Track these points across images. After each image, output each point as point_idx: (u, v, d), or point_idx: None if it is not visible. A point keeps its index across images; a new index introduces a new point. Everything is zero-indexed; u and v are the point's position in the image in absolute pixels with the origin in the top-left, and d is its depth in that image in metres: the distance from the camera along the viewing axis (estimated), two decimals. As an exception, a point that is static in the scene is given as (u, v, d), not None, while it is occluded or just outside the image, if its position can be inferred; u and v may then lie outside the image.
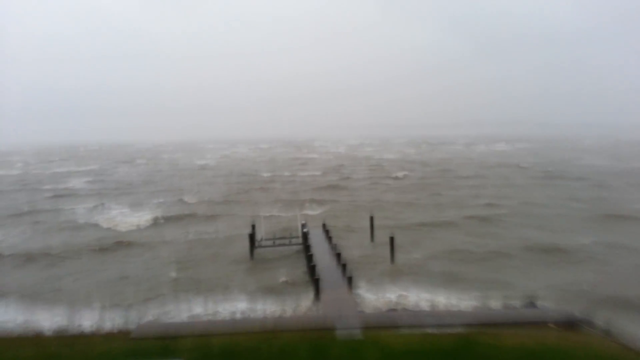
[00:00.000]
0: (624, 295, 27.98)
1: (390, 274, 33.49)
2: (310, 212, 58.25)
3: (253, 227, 40.52)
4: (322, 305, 25.46)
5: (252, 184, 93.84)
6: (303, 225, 40.58)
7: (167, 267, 36.84)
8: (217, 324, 23.51)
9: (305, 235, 38.60)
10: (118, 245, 44.45)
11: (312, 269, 30.56)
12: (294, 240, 40.36)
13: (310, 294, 28.13)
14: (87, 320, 25.26)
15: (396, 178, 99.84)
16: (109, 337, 22.50)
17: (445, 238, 44.62)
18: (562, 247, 40.06)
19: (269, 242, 40.24)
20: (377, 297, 27.78)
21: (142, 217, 56.35)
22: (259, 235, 40.81)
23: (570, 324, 21.71)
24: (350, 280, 28.34)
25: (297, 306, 26.75)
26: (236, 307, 26.70)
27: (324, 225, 44.16)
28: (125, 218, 56.26)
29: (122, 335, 22.09)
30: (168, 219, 56.54)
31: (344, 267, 30.74)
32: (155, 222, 54.96)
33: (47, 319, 25.31)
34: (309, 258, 33.24)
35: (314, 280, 28.43)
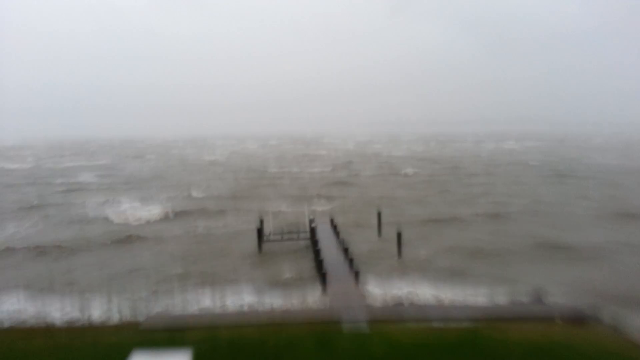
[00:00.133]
0: (633, 292, 27.81)
1: (397, 268, 33.59)
2: (318, 208, 58.39)
3: (261, 221, 40.79)
4: (329, 299, 25.66)
5: (260, 180, 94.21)
6: (311, 221, 40.76)
7: (176, 261, 37.21)
8: (224, 316, 23.77)
9: (313, 230, 38.80)
10: (128, 238, 44.89)
11: (319, 263, 30.73)
12: (302, 235, 40.57)
13: (318, 288, 28.35)
14: (97, 311, 25.72)
15: (405, 175, 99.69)
16: (118, 328, 22.84)
17: (453, 234, 44.58)
18: (571, 244, 39.82)
19: (277, 237, 40.50)
20: (384, 291, 27.89)
21: (152, 211, 56.84)
22: (267, 230, 41.08)
23: (577, 320, 21.65)
24: (357, 275, 28.50)
25: (304, 299, 26.95)
26: (244, 299, 26.99)
27: (331, 221, 44.31)
28: (136, 212, 56.73)
29: (131, 327, 22.41)
30: (178, 214, 56.99)
31: (351, 261, 30.90)
32: (165, 217, 55.44)
33: (58, 310, 25.80)
34: (317, 252, 33.42)
35: (321, 274, 28.63)
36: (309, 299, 26.96)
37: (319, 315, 22.87)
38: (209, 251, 40.12)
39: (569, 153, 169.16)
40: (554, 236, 42.82)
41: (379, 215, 45.58)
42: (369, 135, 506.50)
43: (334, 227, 42.33)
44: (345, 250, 33.47)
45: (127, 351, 16.13)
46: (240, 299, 27.06)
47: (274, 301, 26.79)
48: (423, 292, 27.80)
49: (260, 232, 39.79)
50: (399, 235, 37.20)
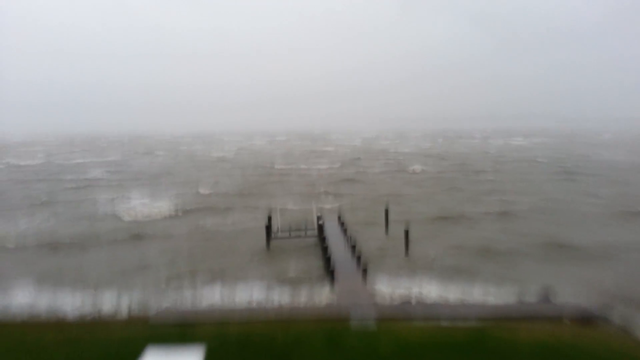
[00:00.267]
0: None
1: (405, 266, 33.67)
2: (326, 205, 58.51)
3: (269, 218, 40.99)
4: (336, 296, 25.80)
5: (268, 176, 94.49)
6: (319, 218, 40.92)
7: (185, 257, 37.53)
8: (233, 312, 23.98)
9: (320, 227, 38.99)
10: (137, 235, 45.33)
11: (327, 260, 30.92)
12: (309, 232, 40.73)
13: (325, 285, 28.52)
14: (107, 306, 26.07)
15: (412, 172, 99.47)
16: (129, 322, 23.16)
17: (461, 233, 44.54)
18: (580, 243, 39.62)
19: (285, 234, 40.68)
20: (391, 289, 28.00)
21: (161, 208, 57.28)
22: (275, 227, 41.28)
23: (586, 320, 21.61)
24: (365, 272, 28.63)
25: (312, 296, 27.12)
26: (252, 296, 27.24)
27: (339, 218, 44.45)
28: (145, 209, 57.20)
29: (141, 321, 22.67)
30: (186, 210, 57.38)
31: (358, 258, 31.01)
32: (174, 213, 55.83)
33: (69, 305, 26.19)
34: (325, 250, 33.60)
35: (329, 271, 28.81)
36: (317, 296, 27.13)
37: (327, 313, 23.03)
38: (218, 248, 40.40)
39: (577, 149, 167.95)
40: (563, 235, 42.63)
41: (387, 212, 45.63)
42: (376, 131, 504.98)
43: (342, 224, 42.45)
44: (353, 248, 33.59)
45: (138, 346, 16.40)
46: (249, 296, 27.30)
47: (283, 298, 27.00)
48: (431, 290, 27.89)
49: (268, 229, 40.01)
50: (407, 233, 37.28)
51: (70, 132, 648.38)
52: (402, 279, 30.00)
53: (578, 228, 45.63)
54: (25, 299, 27.36)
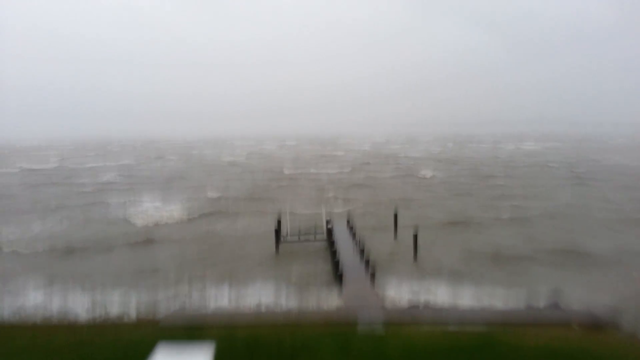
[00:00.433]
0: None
1: (413, 271, 33.63)
2: (335, 210, 58.62)
3: (279, 222, 41.19)
4: (345, 300, 25.86)
5: (277, 181, 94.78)
6: (328, 222, 41.04)
7: (195, 261, 37.85)
8: (242, 316, 24.15)
9: (329, 231, 39.11)
10: (149, 239, 45.79)
11: (335, 264, 31.01)
12: (318, 236, 40.86)
13: (334, 289, 28.60)
14: (118, 308, 26.40)
15: (422, 177, 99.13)
16: (139, 325, 23.40)
17: (471, 238, 44.34)
18: (591, 249, 39.28)
19: (294, 238, 40.87)
20: (399, 293, 28.03)
21: (172, 212, 57.77)
22: (284, 231, 41.48)
23: (594, 325, 21.45)
24: (373, 276, 28.67)
25: (321, 300, 27.22)
26: (261, 299, 27.41)
27: (348, 222, 44.54)
28: (157, 213, 57.74)
29: (151, 324, 22.90)
30: (197, 215, 57.82)
31: (367, 262, 31.05)
32: (185, 217, 56.25)
33: (80, 307, 26.54)
34: (333, 254, 33.69)
35: (338, 275, 28.89)
36: (325, 300, 27.22)
37: (335, 316, 23.10)
38: (227, 251, 40.70)
39: (589, 154, 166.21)
40: (574, 240, 42.29)
41: (395, 217, 45.62)
42: (385, 136, 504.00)
43: (351, 228, 42.53)
44: (362, 252, 33.65)
45: (148, 348, 16.59)
46: (258, 299, 27.47)
47: (291, 301, 27.13)
48: (439, 295, 27.86)
49: (277, 233, 40.22)
50: (415, 238, 37.25)
51: (83, 137, 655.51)
52: (410, 283, 29.99)
53: (589, 234, 45.22)
54: (37, 301, 27.81)
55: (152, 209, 59.93)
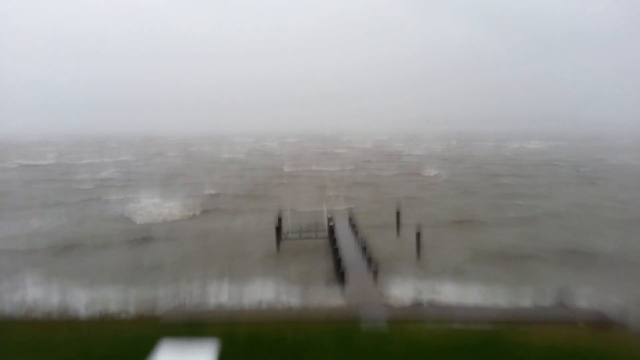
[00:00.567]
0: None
1: (416, 269, 33.37)
2: (336, 207, 58.31)
3: (279, 220, 40.89)
4: (347, 297, 25.60)
5: (278, 179, 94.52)
6: (329, 219, 40.72)
7: (196, 257, 37.64)
8: (243, 312, 23.92)
9: (331, 229, 38.80)
10: (149, 236, 45.59)
11: (337, 261, 30.71)
12: (320, 234, 40.55)
13: (336, 286, 28.30)
14: (118, 305, 26.14)
15: (425, 175, 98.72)
16: (139, 321, 23.21)
17: (475, 237, 44.04)
18: (598, 249, 38.96)
19: (296, 235, 40.55)
20: (402, 290, 27.72)
21: (172, 209, 57.57)
22: (285, 228, 41.18)
23: (601, 324, 21.16)
24: (375, 274, 28.41)
25: (323, 297, 26.93)
26: (262, 296, 27.13)
27: (350, 219, 44.23)
28: (156, 210, 57.56)
29: (151, 320, 22.72)
30: (197, 212, 57.62)
31: (369, 260, 30.79)
32: (185, 215, 56.05)
33: (80, 304, 26.28)
34: (335, 251, 33.40)
35: (340, 272, 28.59)
36: (328, 297, 26.94)
37: (337, 314, 22.84)
38: (228, 249, 40.47)
39: (594, 153, 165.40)
40: (581, 240, 41.91)
41: (398, 214, 45.29)
42: (388, 133, 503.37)
43: (353, 225, 42.23)
44: (364, 249, 33.36)
45: (149, 344, 16.31)
46: (259, 296, 27.19)
47: (293, 299, 26.86)
48: (443, 292, 27.54)
49: (278, 230, 39.92)
50: (418, 236, 36.94)
51: (81, 132, 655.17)
52: (413, 280, 29.71)
53: (596, 233, 44.86)
54: (37, 297, 27.58)
55: (151, 206, 59.73)
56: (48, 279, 31.28)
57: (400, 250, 38.82)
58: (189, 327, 20.27)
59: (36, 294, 27.96)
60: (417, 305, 25.44)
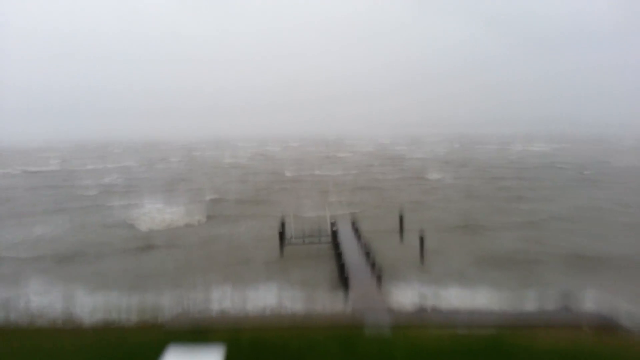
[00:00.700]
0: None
1: (420, 274, 33.27)
2: (339, 212, 58.26)
3: (283, 225, 40.94)
4: (351, 303, 25.58)
5: (281, 183, 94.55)
6: (332, 224, 40.74)
7: (199, 264, 37.69)
8: (247, 319, 23.93)
9: (334, 234, 38.81)
10: (152, 242, 45.67)
11: (341, 266, 30.71)
12: (323, 239, 40.54)
13: (339, 291, 28.29)
14: (122, 312, 26.16)
15: (428, 179, 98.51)
16: (143, 328, 23.24)
17: (479, 241, 43.89)
18: (603, 253, 38.75)
19: (299, 240, 40.56)
20: (406, 296, 27.65)
21: (175, 215, 57.53)
22: (288, 234, 41.20)
23: (606, 327, 21.10)
24: (379, 279, 28.39)
25: (326, 303, 26.90)
26: (266, 302, 27.12)
27: (353, 224, 44.20)
28: (160, 216, 57.55)
29: (156, 327, 22.76)
30: (201, 218, 57.59)
31: (373, 265, 30.77)
32: (188, 221, 56.01)
33: (84, 311, 26.33)
34: (338, 256, 33.37)
35: (343, 277, 28.58)
36: (331, 303, 26.90)
37: (341, 319, 22.83)
38: (231, 254, 40.52)
39: (598, 156, 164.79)
40: (587, 244, 41.69)
41: (401, 219, 45.25)
42: (390, 136, 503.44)
43: (356, 230, 42.20)
44: (367, 254, 33.35)
45: (154, 351, 16.39)
46: (263, 302, 27.19)
47: (296, 304, 26.83)
48: (447, 298, 27.47)
49: (281, 235, 39.96)
50: (422, 240, 36.91)
51: (83, 138, 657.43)
52: (417, 286, 29.61)
53: (601, 237, 44.61)
54: (41, 304, 27.65)
55: (155, 212, 59.80)
56: (52, 286, 31.41)
57: (404, 255, 38.74)
58: (194, 334, 20.31)
59: (40, 302, 28.05)
60: (421, 310, 25.39)
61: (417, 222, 48.61)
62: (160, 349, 16.47)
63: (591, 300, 26.36)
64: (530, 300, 26.63)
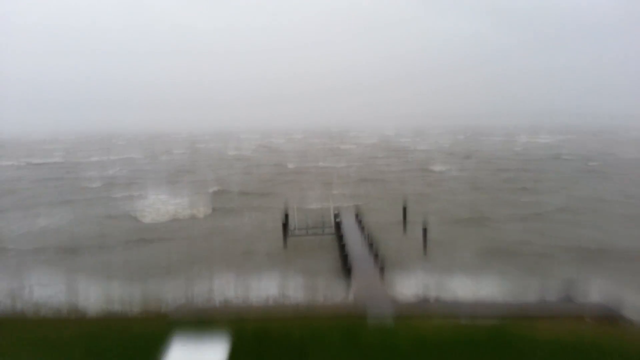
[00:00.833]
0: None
1: (423, 265, 33.27)
2: (343, 204, 58.25)
3: (286, 216, 41.00)
4: (354, 293, 25.65)
5: (285, 175, 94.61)
6: (336, 215, 40.78)
7: (203, 255, 37.86)
8: (250, 309, 24.03)
9: (338, 225, 38.84)
10: (156, 233, 45.87)
11: (344, 257, 30.78)
12: (327, 230, 40.61)
13: (343, 282, 28.37)
14: (126, 302, 26.33)
15: (432, 171, 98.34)
16: (148, 318, 23.33)
17: (483, 233, 43.86)
18: (608, 245, 38.67)
19: (302, 232, 40.67)
20: (409, 286, 27.69)
21: (178, 207, 57.77)
22: (292, 225, 41.27)
23: (609, 318, 21.06)
24: (382, 270, 28.45)
25: (329, 293, 27.00)
26: (269, 292, 27.24)
27: (356, 216, 44.24)
28: (164, 208, 57.82)
29: (160, 317, 22.84)
30: (205, 209, 57.75)
31: (376, 256, 30.82)
32: (192, 213, 56.22)
33: (88, 301, 26.51)
34: (342, 247, 33.46)
35: (347, 268, 28.65)
36: (334, 293, 27.00)
37: (344, 310, 22.90)
38: (235, 245, 40.67)
39: (604, 147, 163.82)
40: (592, 236, 41.59)
41: (404, 210, 45.23)
42: (394, 128, 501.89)
43: (359, 221, 42.26)
44: (371, 245, 33.38)
45: (158, 341, 16.49)
46: (266, 292, 27.30)
47: (299, 295, 26.93)
48: (450, 288, 27.49)
49: (285, 226, 40.03)
50: (425, 231, 36.91)
51: (88, 130, 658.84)
52: (420, 277, 29.63)
53: (606, 228, 44.47)
54: (45, 295, 27.83)
55: (159, 204, 60.00)
56: (56, 276, 31.59)
57: (407, 246, 38.78)
58: (198, 324, 20.40)
59: (45, 292, 28.25)
60: (423, 300, 25.43)
61: (421, 214, 48.53)
62: (164, 338, 16.57)
63: (594, 291, 26.36)
64: (533, 291, 26.62)
